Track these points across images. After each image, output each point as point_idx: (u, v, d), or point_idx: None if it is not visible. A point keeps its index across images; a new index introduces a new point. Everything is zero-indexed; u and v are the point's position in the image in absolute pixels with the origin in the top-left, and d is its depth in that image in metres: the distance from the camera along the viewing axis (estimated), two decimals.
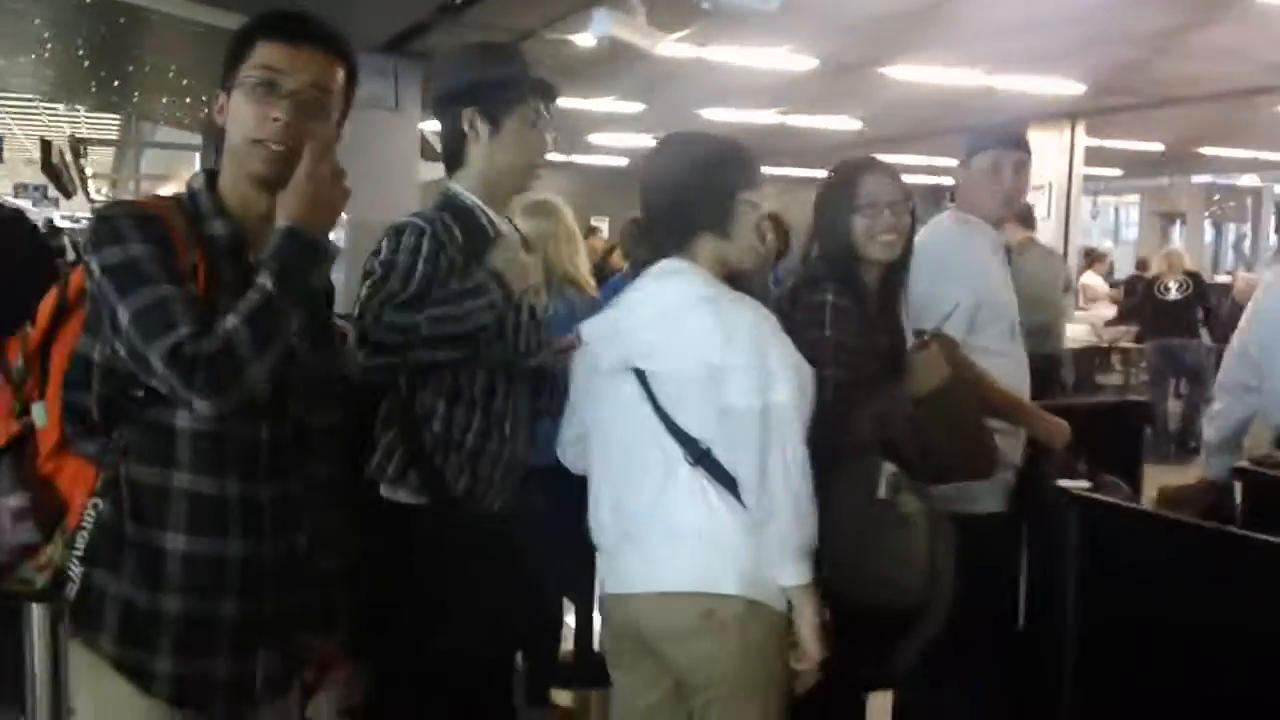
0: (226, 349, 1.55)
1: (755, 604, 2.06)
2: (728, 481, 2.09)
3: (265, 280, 1.60)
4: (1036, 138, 13.76)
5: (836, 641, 2.14)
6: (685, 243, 2.21)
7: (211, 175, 1.75)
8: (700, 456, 2.08)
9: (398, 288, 2.17)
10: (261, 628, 1.76)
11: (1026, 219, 6.67)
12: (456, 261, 2.21)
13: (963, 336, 2.75)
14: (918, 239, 2.65)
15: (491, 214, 2.33)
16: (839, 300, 2.40)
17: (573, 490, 3.55)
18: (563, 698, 3.55)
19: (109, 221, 1.63)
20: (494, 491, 2.29)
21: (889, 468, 2.22)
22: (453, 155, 2.34)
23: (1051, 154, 12.44)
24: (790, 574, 2.05)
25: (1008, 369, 2.94)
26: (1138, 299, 10.72)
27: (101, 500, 1.70)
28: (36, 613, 1.33)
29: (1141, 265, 14.65)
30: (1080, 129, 12.65)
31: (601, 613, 2.32)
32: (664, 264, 2.23)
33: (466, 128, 2.31)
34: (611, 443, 2.22)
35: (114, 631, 1.68)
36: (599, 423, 2.26)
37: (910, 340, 2.59)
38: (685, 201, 2.22)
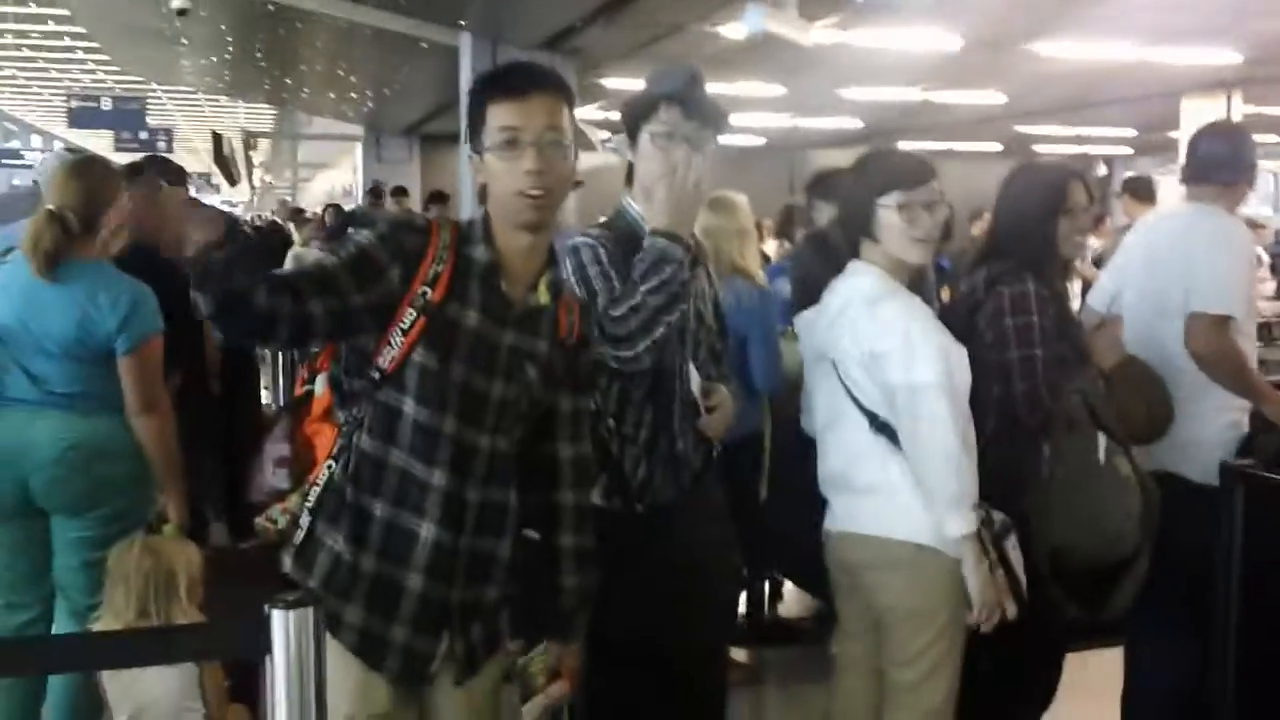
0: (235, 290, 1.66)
1: (924, 548, 2.38)
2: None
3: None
4: (1191, 107, 13.26)
5: (1056, 590, 2.50)
6: (856, 248, 2.55)
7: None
8: (880, 427, 2.43)
9: (604, 289, 2.30)
10: (446, 613, 1.86)
11: (1146, 193, 6.69)
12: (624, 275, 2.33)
13: (1242, 321, 3.00)
14: (1205, 224, 3.00)
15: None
16: (1040, 289, 2.70)
17: (746, 465, 3.87)
18: (740, 655, 3.84)
19: (384, 222, 1.91)
20: (668, 484, 2.40)
21: (1102, 436, 2.58)
22: (628, 171, 2.50)
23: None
24: (951, 524, 2.35)
25: (1249, 348, 3.13)
26: None
27: (334, 462, 1.89)
28: (277, 618, 1.49)
29: None
30: (1237, 98, 12.28)
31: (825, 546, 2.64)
32: (849, 265, 2.56)
33: (625, 149, 2.47)
34: (823, 413, 2.59)
35: (321, 577, 1.84)
36: (814, 398, 2.63)
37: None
38: (842, 213, 2.61)
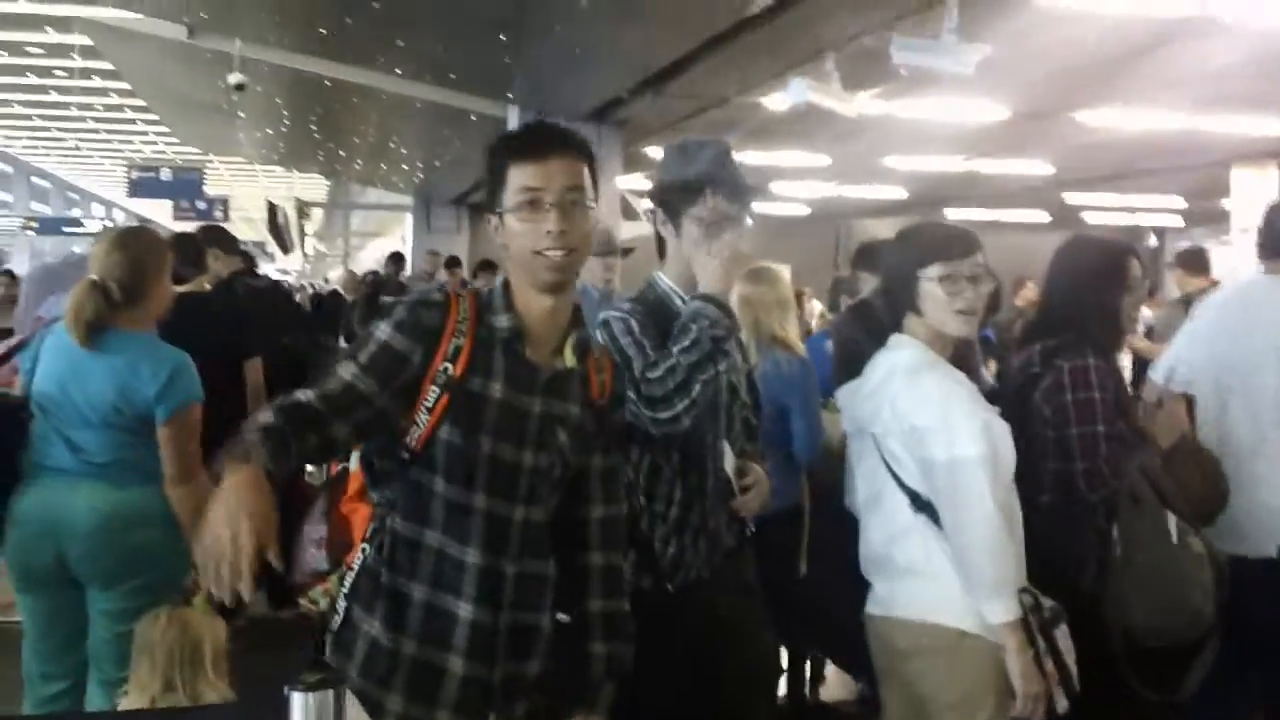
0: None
1: (967, 635, 2.30)
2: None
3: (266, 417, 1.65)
4: (1241, 177, 13.11)
5: (1129, 672, 2.45)
6: (899, 321, 2.51)
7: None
8: (921, 506, 2.36)
9: (639, 356, 2.31)
10: (489, 693, 1.82)
11: (1199, 266, 6.60)
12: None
13: None
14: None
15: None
16: (1100, 363, 2.66)
17: (785, 540, 3.81)
18: None
19: (401, 305, 1.89)
20: (700, 561, 2.39)
21: (1171, 515, 2.54)
22: (659, 245, 2.56)
23: (1258, 193, 11.99)
24: (992, 610, 2.27)
25: None
26: None
27: (369, 545, 1.86)
28: (297, 700, 1.50)
29: None
30: None
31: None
32: (891, 339, 2.52)
33: (659, 226, 2.51)
34: (864, 490, 2.53)
35: (360, 664, 1.79)
36: (856, 474, 2.57)
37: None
38: (884, 285, 2.57)
